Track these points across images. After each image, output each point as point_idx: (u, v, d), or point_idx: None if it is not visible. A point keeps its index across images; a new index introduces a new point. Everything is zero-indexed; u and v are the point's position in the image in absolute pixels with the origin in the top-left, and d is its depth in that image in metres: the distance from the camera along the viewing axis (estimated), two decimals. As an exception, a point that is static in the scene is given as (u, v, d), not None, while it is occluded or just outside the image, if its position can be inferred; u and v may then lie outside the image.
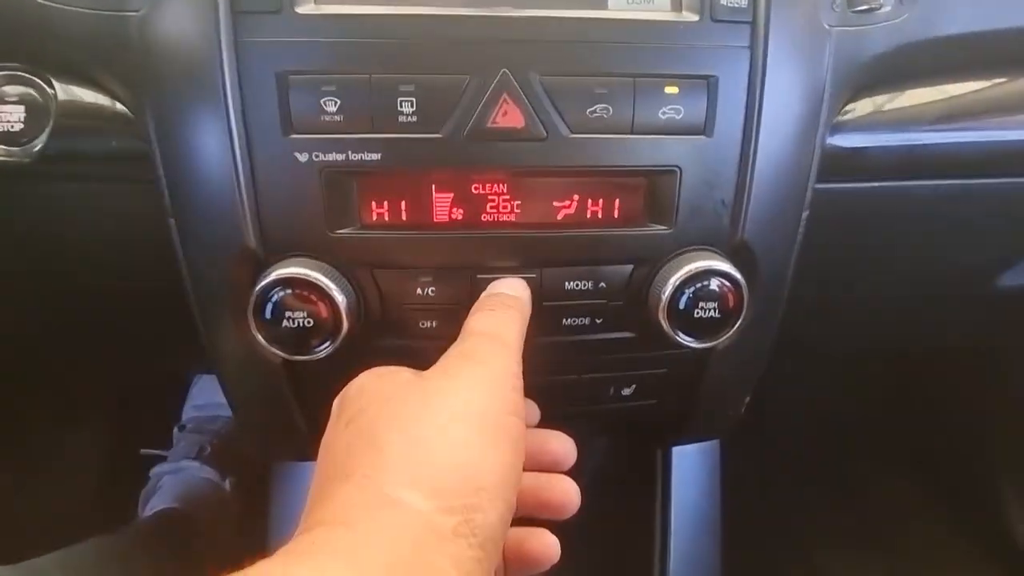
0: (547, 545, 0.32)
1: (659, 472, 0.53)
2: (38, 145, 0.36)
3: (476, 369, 0.28)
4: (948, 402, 0.75)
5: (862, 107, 0.40)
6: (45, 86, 0.36)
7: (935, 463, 0.75)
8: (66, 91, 0.36)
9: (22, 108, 0.36)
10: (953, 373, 0.73)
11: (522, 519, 0.33)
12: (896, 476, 0.76)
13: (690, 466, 0.54)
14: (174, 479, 0.80)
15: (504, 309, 0.32)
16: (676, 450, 0.54)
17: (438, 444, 0.25)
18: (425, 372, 0.29)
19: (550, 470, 0.35)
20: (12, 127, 0.36)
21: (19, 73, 0.36)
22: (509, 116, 0.33)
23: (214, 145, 0.33)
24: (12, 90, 0.36)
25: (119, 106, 0.36)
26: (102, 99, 0.36)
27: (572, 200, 0.36)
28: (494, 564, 0.25)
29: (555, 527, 0.34)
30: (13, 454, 0.77)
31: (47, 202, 0.39)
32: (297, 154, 0.33)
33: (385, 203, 0.35)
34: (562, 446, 0.36)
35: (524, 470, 0.33)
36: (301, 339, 0.34)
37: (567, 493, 0.34)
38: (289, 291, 0.33)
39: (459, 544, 0.23)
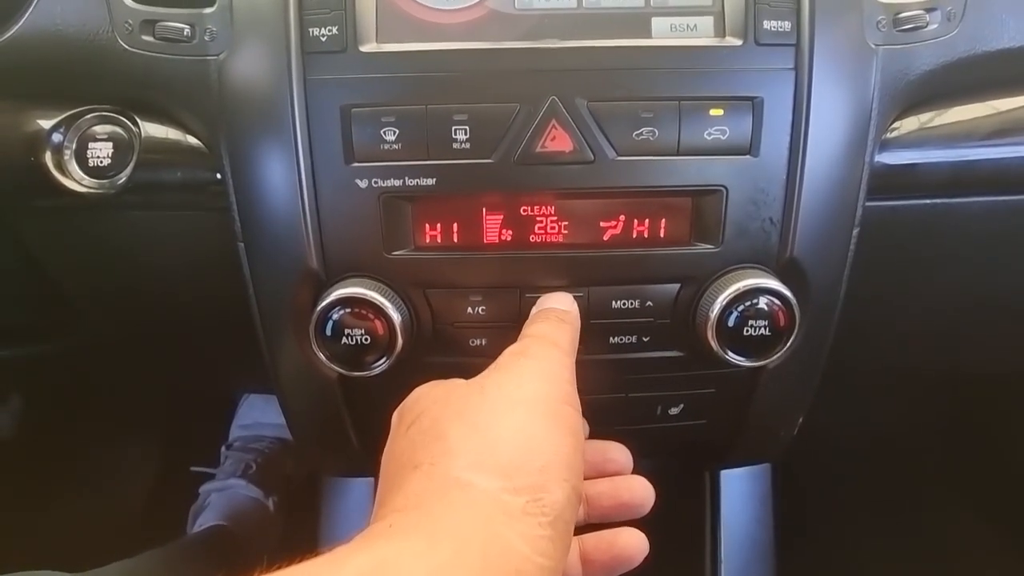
0: (638, 541, 0.33)
1: (708, 497, 0.52)
2: (123, 178, 0.39)
3: (530, 363, 0.30)
4: (1009, 428, 0.71)
5: (911, 124, 0.40)
6: (131, 124, 0.39)
7: (995, 492, 0.71)
8: (148, 128, 0.39)
9: (110, 145, 0.39)
10: (1013, 398, 0.69)
11: (601, 524, 0.34)
12: (955, 505, 0.72)
13: (741, 491, 0.52)
14: (221, 496, 0.82)
15: (557, 320, 0.33)
16: (725, 474, 0.52)
17: (499, 429, 0.26)
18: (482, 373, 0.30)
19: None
20: (101, 162, 0.39)
21: (108, 114, 0.39)
22: (558, 141, 0.35)
23: (282, 174, 0.35)
24: (101, 129, 0.39)
25: (194, 140, 0.39)
26: (179, 134, 0.39)
27: (618, 220, 0.36)
28: (566, 547, 0.25)
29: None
30: (74, 467, 0.81)
31: (126, 229, 0.43)
32: (358, 181, 0.35)
33: (438, 225, 0.36)
34: (622, 454, 0.37)
35: (591, 479, 0.33)
36: (359, 356, 0.35)
37: (643, 490, 0.35)
38: (348, 310, 0.35)
39: (529, 522, 0.23)
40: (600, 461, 0.36)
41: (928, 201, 0.42)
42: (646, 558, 0.33)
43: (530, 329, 0.33)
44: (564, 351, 0.31)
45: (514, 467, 0.25)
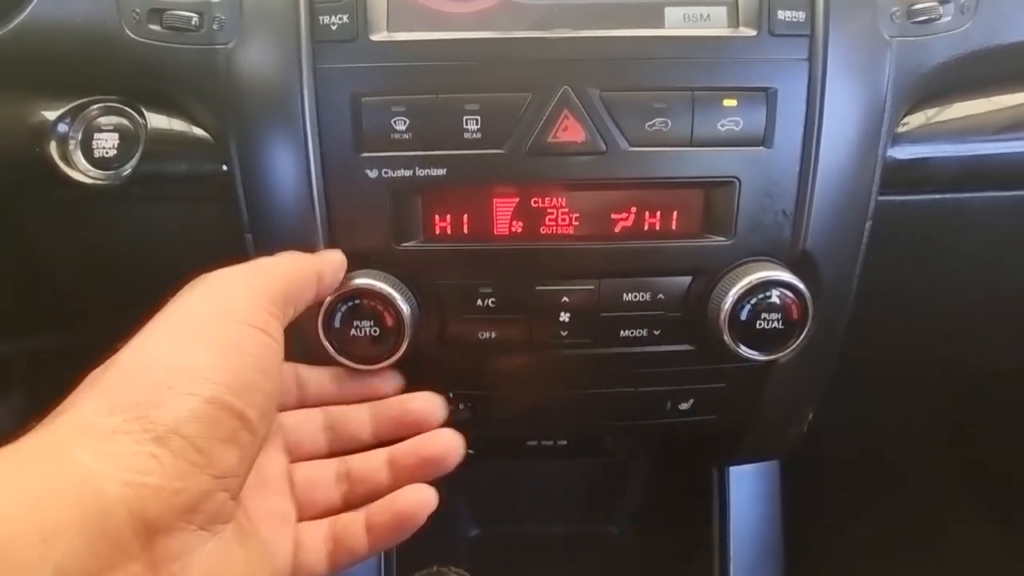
0: (422, 495, 0.31)
1: (716, 495, 0.52)
2: (128, 169, 0.39)
3: (210, 280, 0.28)
4: (1019, 427, 0.71)
5: (922, 118, 0.40)
6: (137, 115, 0.39)
7: (1007, 491, 0.70)
8: (155, 119, 0.39)
9: (116, 136, 0.39)
10: (1022, 395, 0.69)
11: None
12: (965, 503, 0.72)
13: (749, 488, 0.52)
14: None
15: (284, 254, 0.32)
16: (734, 471, 0.52)
17: (136, 352, 0.25)
18: None
19: (421, 432, 0.34)
20: (107, 153, 0.39)
21: (114, 104, 0.39)
22: (570, 131, 0.34)
23: (292, 164, 0.35)
24: (107, 120, 0.39)
25: (200, 131, 0.39)
26: (186, 125, 0.39)
27: (630, 212, 0.36)
28: (196, 465, 0.23)
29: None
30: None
31: (131, 222, 0.42)
32: (368, 171, 0.35)
33: (448, 216, 0.36)
34: (426, 403, 0.34)
35: (391, 441, 0.32)
36: (367, 348, 0.35)
37: (447, 441, 0.33)
38: (357, 302, 0.35)
39: (119, 440, 0.22)
40: (398, 416, 0.34)
41: (939, 196, 0.41)
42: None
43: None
44: (266, 270, 0.30)
45: (124, 388, 0.23)
